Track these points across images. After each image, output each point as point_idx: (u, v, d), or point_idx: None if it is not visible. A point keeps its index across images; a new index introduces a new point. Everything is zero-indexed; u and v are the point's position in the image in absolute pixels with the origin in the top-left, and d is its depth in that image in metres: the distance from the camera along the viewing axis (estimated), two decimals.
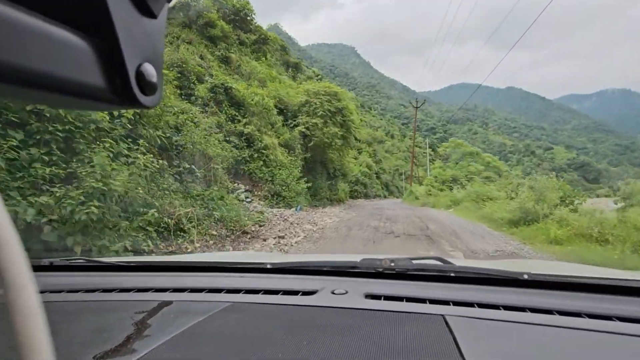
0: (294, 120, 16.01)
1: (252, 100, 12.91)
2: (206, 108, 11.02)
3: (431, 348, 0.65)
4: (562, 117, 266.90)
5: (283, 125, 15.16)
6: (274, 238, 6.71)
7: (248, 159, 11.87)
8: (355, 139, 20.37)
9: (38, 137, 4.04)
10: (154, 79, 0.25)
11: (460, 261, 1.21)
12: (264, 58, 20.14)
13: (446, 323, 0.77)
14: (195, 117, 8.84)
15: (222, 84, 12.21)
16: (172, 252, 4.91)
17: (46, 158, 3.97)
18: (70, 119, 4.31)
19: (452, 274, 1.04)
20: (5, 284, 0.20)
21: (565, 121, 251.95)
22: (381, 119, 79.66)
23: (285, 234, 7.15)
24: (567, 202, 9.96)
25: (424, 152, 74.57)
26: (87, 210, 3.78)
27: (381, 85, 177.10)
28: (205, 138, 8.37)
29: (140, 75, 0.24)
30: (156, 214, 4.88)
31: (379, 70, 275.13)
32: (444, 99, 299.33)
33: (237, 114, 12.42)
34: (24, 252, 0.21)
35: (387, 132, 65.55)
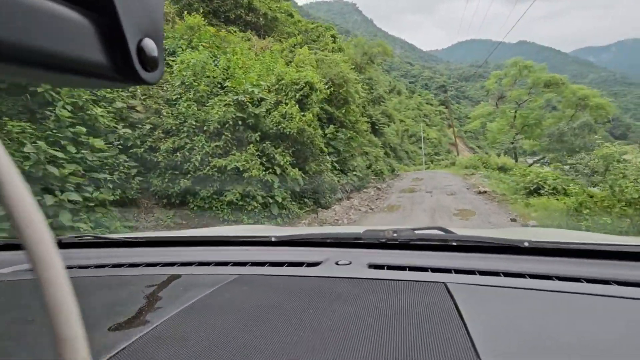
0: None
1: None
2: None
3: (433, 314, 0.67)
4: (579, 71, 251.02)
5: None
6: None
7: None
8: None
9: None
10: (155, 54, 0.24)
11: (462, 230, 1.19)
12: None
13: (448, 290, 0.77)
14: None
15: None
16: None
17: None
18: None
19: (454, 243, 1.05)
20: (33, 260, 0.20)
21: (583, 75, 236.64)
22: (387, 75, 70.04)
23: None
24: None
25: (436, 111, 66.34)
26: None
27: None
28: None
29: (141, 51, 0.23)
30: None
31: (383, 28, 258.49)
32: (452, 57, 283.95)
33: None
34: (49, 229, 0.21)
35: (393, 89, 56.32)
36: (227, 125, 6.73)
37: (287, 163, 7.56)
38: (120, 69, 0.23)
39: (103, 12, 0.22)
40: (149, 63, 0.24)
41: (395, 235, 1.07)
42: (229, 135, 6.73)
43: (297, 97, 8.28)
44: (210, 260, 1.05)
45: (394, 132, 30.40)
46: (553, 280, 0.82)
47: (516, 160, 26.03)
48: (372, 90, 24.31)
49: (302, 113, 7.98)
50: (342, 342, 0.58)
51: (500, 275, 0.86)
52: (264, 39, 14.23)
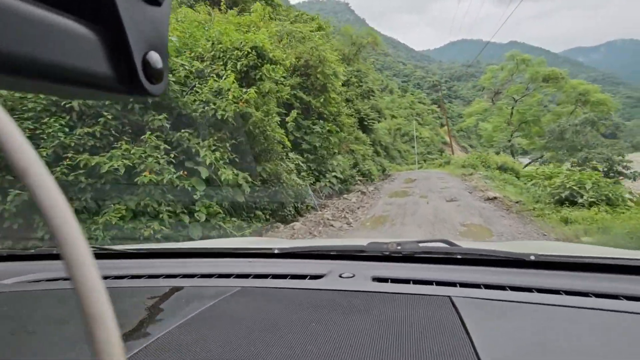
0: None
1: None
2: None
3: (438, 329, 0.67)
4: (570, 71, 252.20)
5: None
6: None
7: None
8: None
9: None
10: (160, 67, 0.25)
11: (466, 243, 1.17)
12: None
13: (453, 304, 0.77)
14: None
15: None
16: None
17: None
18: None
19: (459, 256, 1.05)
20: (69, 266, 0.20)
21: (573, 75, 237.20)
22: (379, 75, 67.92)
23: None
24: None
25: (429, 110, 64.61)
26: None
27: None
28: None
29: (146, 64, 0.24)
30: None
31: (375, 28, 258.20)
32: (444, 57, 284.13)
33: None
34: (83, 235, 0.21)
35: (385, 87, 54.48)
36: (108, 102, 4.25)
37: (220, 162, 5.08)
38: (126, 81, 0.23)
39: (109, 25, 0.22)
40: (154, 75, 0.24)
41: (399, 248, 1.08)
42: (111, 119, 4.23)
43: (238, 67, 5.79)
44: (212, 272, 1.05)
45: (385, 130, 28.14)
46: (560, 294, 0.82)
47: (513, 159, 24.19)
48: (360, 84, 21.99)
49: (244, 90, 5.48)
50: (346, 355, 0.58)
51: (507, 289, 0.85)
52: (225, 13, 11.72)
